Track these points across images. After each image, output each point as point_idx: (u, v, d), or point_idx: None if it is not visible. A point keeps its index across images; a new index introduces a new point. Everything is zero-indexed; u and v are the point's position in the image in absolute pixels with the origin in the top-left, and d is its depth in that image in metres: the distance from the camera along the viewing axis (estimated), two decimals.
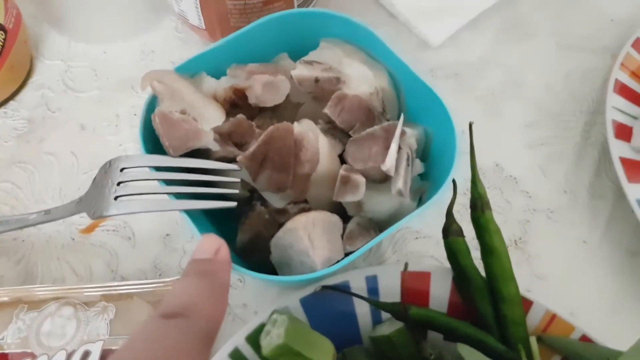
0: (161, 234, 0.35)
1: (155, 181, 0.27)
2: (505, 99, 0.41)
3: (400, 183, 0.26)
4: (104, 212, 0.26)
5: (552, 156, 0.38)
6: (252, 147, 0.27)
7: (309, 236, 0.26)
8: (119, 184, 0.27)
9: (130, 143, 0.38)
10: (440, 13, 0.43)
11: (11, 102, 0.40)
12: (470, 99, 0.41)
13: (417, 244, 0.35)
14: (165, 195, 0.27)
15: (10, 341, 0.30)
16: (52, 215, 0.29)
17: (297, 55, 0.32)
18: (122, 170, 0.27)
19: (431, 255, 0.34)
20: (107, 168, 0.27)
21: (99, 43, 0.42)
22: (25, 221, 0.30)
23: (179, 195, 0.27)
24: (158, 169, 0.27)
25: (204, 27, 0.37)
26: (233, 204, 0.27)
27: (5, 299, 0.31)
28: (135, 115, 0.39)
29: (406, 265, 0.28)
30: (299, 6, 0.38)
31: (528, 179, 0.37)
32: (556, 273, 0.35)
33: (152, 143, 0.28)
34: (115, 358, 0.18)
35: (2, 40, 0.37)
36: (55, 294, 0.31)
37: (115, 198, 0.26)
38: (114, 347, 0.29)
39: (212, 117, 0.28)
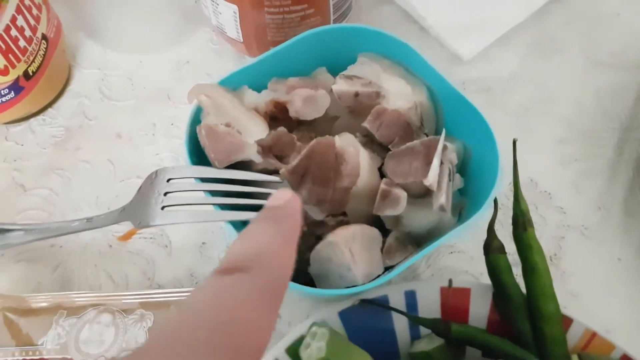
0: (197, 243, 0.35)
1: (199, 192, 0.27)
2: (537, 114, 0.41)
3: (442, 198, 0.26)
4: (150, 221, 0.26)
5: (585, 172, 0.38)
6: (294, 161, 0.27)
7: (350, 250, 0.27)
8: (165, 194, 0.27)
9: (166, 152, 0.38)
10: (471, 28, 0.43)
11: (49, 110, 0.40)
12: (501, 113, 0.41)
13: (452, 258, 0.35)
14: (209, 205, 0.27)
15: (50, 347, 0.30)
16: (94, 223, 0.29)
17: (335, 69, 0.33)
18: (168, 180, 0.27)
19: (466, 271, 0.34)
20: (153, 178, 0.28)
21: (135, 53, 0.43)
22: (67, 228, 0.30)
23: (223, 206, 0.27)
24: (203, 180, 0.28)
25: (242, 40, 0.38)
26: None
27: (45, 304, 0.31)
28: (172, 125, 0.40)
29: (450, 282, 0.28)
30: (334, 21, 0.38)
31: (562, 195, 0.37)
32: (590, 290, 0.34)
33: (196, 154, 0.29)
34: (172, 323, 0.15)
35: (44, 49, 0.38)
36: (94, 301, 0.31)
37: (162, 208, 0.27)
38: None
39: (255, 130, 0.28)
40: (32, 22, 0.36)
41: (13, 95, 0.36)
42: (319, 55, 0.33)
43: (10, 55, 0.35)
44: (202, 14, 0.40)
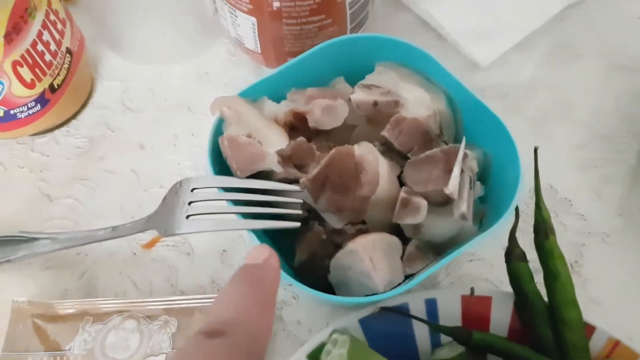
0: (218, 250, 0.35)
1: (223, 202, 0.28)
2: (556, 120, 0.41)
3: (464, 207, 0.26)
4: (176, 230, 0.27)
5: (606, 178, 0.38)
6: (314, 170, 0.28)
7: (370, 258, 0.27)
8: (189, 203, 0.27)
9: (188, 162, 0.39)
10: (489, 34, 0.43)
11: (73, 122, 0.41)
12: (520, 120, 0.41)
13: (471, 266, 0.35)
14: (232, 214, 0.28)
15: (77, 352, 0.31)
16: (120, 232, 0.30)
17: (352, 78, 0.33)
18: (192, 190, 0.28)
19: (486, 279, 0.34)
20: (177, 188, 0.28)
21: (155, 64, 0.44)
22: (93, 237, 0.31)
23: (245, 215, 0.28)
24: (225, 189, 0.28)
25: (260, 51, 0.39)
26: (297, 224, 0.27)
27: (72, 310, 0.32)
28: (192, 135, 0.40)
29: (472, 290, 0.28)
30: (351, 30, 0.38)
31: (582, 202, 0.37)
32: (612, 297, 0.34)
33: (218, 165, 0.29)
34: None
35: (69, 63, 0.39)
36: (119, 307, 0.32)
37: (187, 217, 0.27)
38: None
39: (275, 141, 0.29)
40: (57, 36, 0.37)
41: (39, 107, 0.37)
42: (336, 65, 0.34)
43: (36, 69, 0.36)
44: (221, 26, 0.40)
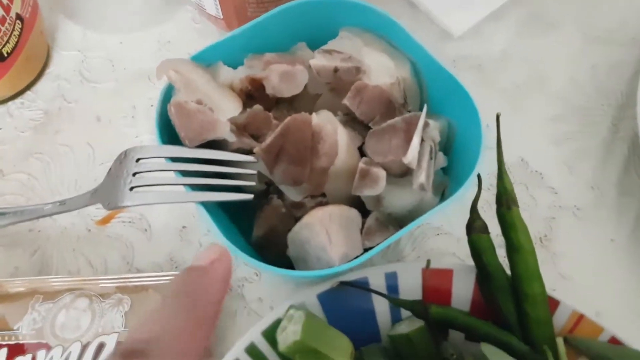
0: (177, 227, 0.34)
1: (171, 172, 0.26)
2: (530, 92, 0.39)
3: (422, 177, 0.25)
4: (119, 203, 0.26)
5: (579, 152, 0.37)
6: (268, 139, 0.26)
7: (327, 231, 0.26)
8: (134, 174, 0.26)
9: (147, 135, 0.37)
10: (462, 3, 0.42)
11: (28, 93, 0.39)
12: (493, 91, 0.39)
13: (438, 240, 0.34)
14: (182, 186, 0.26)
15: (26, 332, 0.30)
16: (68, 206, 0.29)
17: (315, 45, 0.32)
18: (137, 160, 0.26)
19: (453, 253, 0.33)
20: (122, 158, 0.27)
21: (115, 33, 0.42)
22: (41, 212, 0.30)
23: (195, 187, 0.26)
24: (174, 160, 0.27)
25: (222, 17, 0.37)
26: (250, 196, 0.26)
27: (21, 289, 0.31)
28: (152, 106, 0.38)
29: (428, 262, 0.27)
30: None
31: (554, 175, 0.36)
32: (582, 272, 0.33)
33: (168, 134, 0.28)
34: None
35: (19, 30, 0.37)
36: (71, 285, 0.31)
37: (131, 189, 0.26)
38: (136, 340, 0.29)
39: (228, 108, 0.27)
40: (4, 1, 0.35)
41: None
42: (298, 30, 0.32)
43: None
44: None
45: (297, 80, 0.28)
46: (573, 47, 0.41)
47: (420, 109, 0.29)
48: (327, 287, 0.27)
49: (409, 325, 0.26)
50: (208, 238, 0.34)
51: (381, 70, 0.29)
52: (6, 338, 0.30)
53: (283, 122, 0.26)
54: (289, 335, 0.25)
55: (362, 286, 0.27)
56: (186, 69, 0.27)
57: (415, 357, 0.26)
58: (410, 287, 0.28)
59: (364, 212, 0.28)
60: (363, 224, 0.27)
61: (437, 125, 0.28)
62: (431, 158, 0.27)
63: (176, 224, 0.34)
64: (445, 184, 0.29)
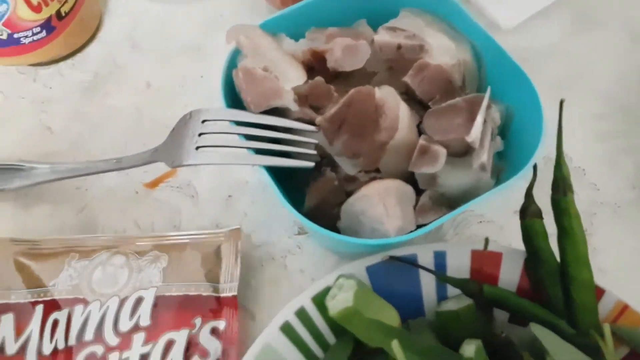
0: (223, 196, 0.34)
1: (234, 137, 0.27)
2: (575, 88, 0.40)
3: (484, 156, 0.25)
4: (184, 161, 0.26)
5: (622, 150, 0.37)
6: (332, 109, 0.27)
7: (384, 204, 0.26)
8: (200, 134, 0.26)
9: (194, 105, 0.38)
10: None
11: (79, 55, 0.40)
12: (538, 85, 0.39)
13: (480, 227, 0.34)
14: (244, 150, 0.27)
15: (62, 288, 0.29)
16: (124, 164, 0.29)
17: (375, 23, 0.32)
18: (203, 122, 0.27)
19: (494, 240, 0.33)
20: (187, 119, 0.27)
21: (168, 3, 0.42)
22: (95, 168, 0.30)
23: (258, 151, 0.27)
24: (237, 124, 0.27)
25: None
26: (311, 164, 0.27)
27: (57, 247, 0.31)
28: (201, 77, 0.39)
29: (487, 240, 0.27)
30: None
31: (596, 172, 0.36)
32: (619, 267, 0.34)
33: (231, 100, 0.28)
34: None
35: None
36: (106, 244, 0.31)
37: (196, 149, 0.26)
38: (167, 294, 0.29)
39: (293, 77, 0.28)
40: None
41: (45, 34, 0.36)
42: (359, 8, 0.32)
43: None
44: None
45: (360, 54, 0.29)
46: (620, 46, 0.41)
47: (478, 92, 0.29)
48: (376, 260, 0.28)
49: (457, 303, 0.27)
50: (254, 207, 0.34)
51: (443, 51, 0.29)
52: (42, 295, 0.29)
53: (347, 93, 0.27)
54: (340, 302, 0.25)
55: (412, 262, 0.27)
56: (255, 35, 0.27)
57: (462, 333, 0.26)
58: (458, 268, 0.28)
59: (415, 191, 0.28)
60: (416, 201, 0.28)
61: (497, 109, 0.28)
62: (492, 139, 0.27)
63: (222, 193, 0.35)
64: (501, 169, 0.29)
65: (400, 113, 0.27)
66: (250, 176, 0.35)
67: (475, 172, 0.27)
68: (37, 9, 0.34)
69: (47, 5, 0.35)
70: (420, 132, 0.28)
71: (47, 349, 0.28)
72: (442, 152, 0.26)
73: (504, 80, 0.30)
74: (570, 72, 0.40)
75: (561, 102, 0.26)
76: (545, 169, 0.33)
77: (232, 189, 0.35)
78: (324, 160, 0.29)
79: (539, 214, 0.27)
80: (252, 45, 0.27)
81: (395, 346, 0.22)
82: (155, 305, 0.29)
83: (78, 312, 0.29)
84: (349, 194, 0.29)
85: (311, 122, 0.28)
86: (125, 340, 0.28)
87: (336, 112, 0.26)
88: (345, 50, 0.29)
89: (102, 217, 0.34)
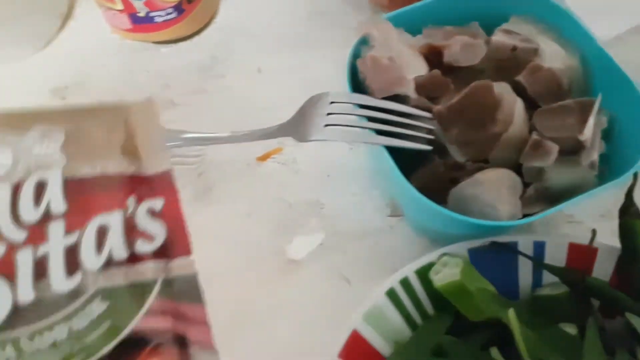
0: (323, 174, 0.37)
1: (357, 119, 0.29)
2: None
3: (595, 155, 0.27)
4: (313, 136, 0.29)
5: None
6: (454, 99, 0.29)
7: (497, 191, 0.28)
8: (327, 114, 0.29)
9: (300, 93, 0.40)
10: (611, 11, 0.43)
11: (197, 37, 0.44)
12: None
13: (569, 227, 0.36)
14: (367, 131, 0.29)
15: None
16: (255, 136, 0.32)
17: (486, 26, 0.34)
18: (330, 103, 0.29)
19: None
20: (316, 100, 0.30)
21: None
22: (223, 139, 0.33)
23: (380, 133, 0.29)
24: (361, 107, 0.30)
25: None
26: (429, 147, 0.29)
27: None
28: (307, 68, 0.42)
29: (594, 232, 0.29)
30: None
31: None
32: None
33: (352, 85, 0.31)
34: None
35: None
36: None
37: (325, 126, 0.29)
38: (78, 175, 0.22)
39: (415, 68, 0.30)
40: None
41: (175, 15, 0.40)
42: (472, 11, 0.34)
43: None
44: None
45: (476, 52, 0.31)
46: None
47: (584, 97, 0.31)
48: (478, 244, 0.30)
49: (554, 289, 0.28)
50: (350, 187, 0.37)
51: (554, 56, 0.31)
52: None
53: (468, 86, 0.29)
54: (446, 276, 0.28)
55: (513, 249, 0.29)
56: (386, 29, 0.30)
57: (557, 317, 0.28)
58: (555, 258, 0.30)
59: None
60: (522, 192, 0.30)
61: (605, 114, 0.30)
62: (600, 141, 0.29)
63: (322, 171, 0.38)
64: (603, 170, 0.30)
65: (516, 108, 0.29)
66: (347, 159, 0.38)
67: (583, 170, 0.28)
68: None
69: None
70: (530, 129, 0.30)
71: None
72: (555, 148, 0.28)
73: (609, 88, 0.31)
74: None
75: None
76: None
77: (330, 169, 0.38)
78: (433, 148, 0.32)
79: (638, 215, 0.28)
80: (382, 37, 0.30)
81: (512, 315, 0.24)
82: (66, 189, 0.22)
83: None
84: (452, 181, 0.31)
85: (427, 110, 0.30)
86: (36, 233, 0.20)
87: (457, 101, 0.29)
88: (464, 47, 0.31)
89: (217, 183, 0.37)
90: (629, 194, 0.29)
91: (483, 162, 0.31)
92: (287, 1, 0.45)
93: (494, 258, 0.30)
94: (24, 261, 0.19)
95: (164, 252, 0.21)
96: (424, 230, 0.35)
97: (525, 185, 0.30)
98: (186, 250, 0.22)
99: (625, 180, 0.28)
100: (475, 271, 0.28)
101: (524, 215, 0.29)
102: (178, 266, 0.21)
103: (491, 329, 0.28)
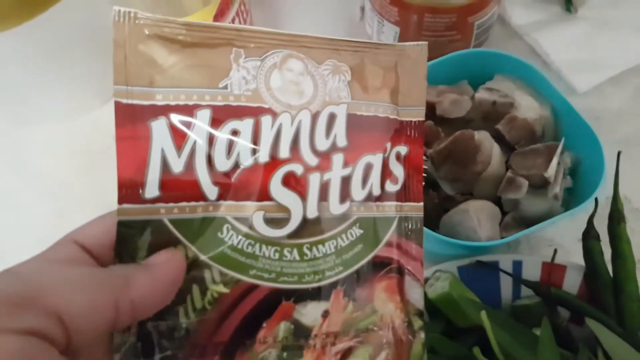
0: None
1: None
2: (639, 145, 0.47)
3: (557, 188, 0.34)
4: None
5: None
6: (442, 144, 0.36)
7: (477, 217, 0.35)
8: None
9: None
10: (589, 65, 0.50)
11: None
12: (607, 141, 0.47)
13: (549, 250, 0.41)
14: None
15: (239, 92, 0.21)
16: None
17: (474, 83, 0.41)
18: None
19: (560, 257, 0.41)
20: None
21: None
22: None
23: None
24: None
25: None
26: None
27: (210, 35, 0.21)
28: None
29: (555, 251, 0.35)
30: (474, 46, 0.47)
31: None
32: None
33: None
34: None
35: None
36: (273, 42, 0.22)
37: None
38: (358, 113, 0.23)
39: None
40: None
41: None
42: (461, 72, 0.42)
43: None
44: (364, 32, 0.50)
45: (463, 106, 0.38)
46: None
47: (554, 141, 0.38)
48: (466, 262, 0.36)
49: (529, 300, 0.35)
50: None
51: (528, 108, 0.38)
52: (207, 98, 0.21)
53: (453, 134, 0.36)
54: (438, 288, 0.34)
55: (495, 266, 0.36)
56: None
57: (532, 322, 0.34)
58: (531, 275, 0.36)
59: (501, 212, 0.37)
60: (501, 220, 0.36)
61: (569, 155, 0.37)
62: (563, 177, 0.35)
63: None
64: (569, 201, 0.37)
65: (493, 151, 0.36)
66: None
67: (550, 200, 0.35)
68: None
69: None
70: (507, 167, 0.37)
71: (223, 165, 0.21)
72: (525, 183, 0.35)
73: (575, 134, 0.38)
74: (635, 131, 0.47)
75: (618, 154, 0.34)
76: (606, 207, 0.41)
77: None
78: (427, 183, 0.39)
79: (597, 237, 0.35)
80: None
81: (483, 316, 0.30)
82: (348, 125, 0.23)
83: (266, 123, 0.22)
84: (445, 211, 0.38)
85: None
86: (325, 161, 0.22)
87: (444, 146, 0.36)
88: (452, 102, 0.38)
89: None
90: (590, 220, 0.35)
91: (469, 195, 0.37)
92: None
93: (480, 274, 0.36)
94: (314, 183, 0.22)
95: (402, 194, 0.24)
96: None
97: (505, 214, 0.37)
98: (418, 197, 0.24)
99: (586, 208, 0.35)
100: (461, 284, 0.35)
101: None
102: (410, 208, 0.24)
103: (476, 333, 0.34)
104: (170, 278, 0.19)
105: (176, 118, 0.20)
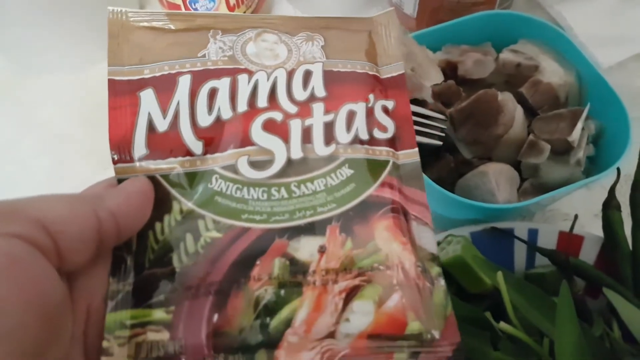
0: None
1: None
2: None
3: (580, 154, 0.32)
4: None
5: None
6: (463, 103, 0.35)
7: (496, 180, 0.33)
8: None
9: None
10: (614, 40, 0.48)
11: None
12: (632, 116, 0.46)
13: (565, 224, 0.40)
14: None
15: (216, 58, 0.24)
16: None
17: (497, 46, 0.40)
18: None
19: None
20: None
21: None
22: None
23: None
24: None
25: (415, 17, 0.46)
26: (439, 142, 0.34)
27: (190, 23, 0.24)
28: None
29: (576, 217, 0.33)
30: (498, 8, 0.45)
31: None
32: None
33: None
34: None
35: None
36: (249, 24, 0.25)
37: None
38: (334, 69, 0.25)
39: (433, 77, 0.36)
40: None
41: None
42: (484, 34, 0.40)
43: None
44: None
45: (486, 67, 0.37)
46: None
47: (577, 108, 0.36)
48: (479, 228, 0.35)
49: (544, 269, 0.33)
50: None
51: (553, 73, 0.37)
52: (187, 66, 0.23)
53: (476, 93, 0.35)
54: (449, 252, 0.33)
55: (510, 233, 0.34)
56: (411, 43, 0.36)
57: (546, 291, 0.33)
58: (547, 244, 0.35)
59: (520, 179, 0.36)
60: (519, 187, 0.35)
61: (594, 122, 0.35)
62: (587, 143, 0.34)
63: None
64: (590, 170, 0.35)
65: (516, 113, 0.34)
66: None
67: (572, 167, 0.33)
68: (232, 8, 0.45)
69: (239, 6, 0.45)
70: (528, 132, 0.36)
71: (205, 120, 0.23)
72: (547, 147, 0.33)
73: (600, 102, 0.36)
74: None
75: None
76: (625, 185, 0.40)
77: None
78: (444, 146, 0.37)
79: (618, 207, 0.33)
80: (407, 50, 0.36)
81: (499, 277, 0.29)
82: (325, 79, 0.25)
83: (243, 80, 0.24)
84: (460, 176, 0.36)
85: (441, 113, 0.36)
86: (304, 109, 0.24)
87: (466, 105, 0.34)
88: (476, 62, 0.37)
89: None
90: (612, 190, 0.34)
91: (487, 160, 0.36)
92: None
93: (493, 241, 0.35)
94: (295, 128, 0.23)
95: (393, 143, 0.25)
96: (435, 217, 0.40)
97: (524, 180, 0.35)
98: (411, 144, 0.25)
99: (608, 176, 0.33)
100: (474, 248, 0.33)
101: None
102: (404, 156, 0.24)
103: (488, 299, 0.33)
104: (139, 189, 0.20)
105: (161, 86, 0.23)
